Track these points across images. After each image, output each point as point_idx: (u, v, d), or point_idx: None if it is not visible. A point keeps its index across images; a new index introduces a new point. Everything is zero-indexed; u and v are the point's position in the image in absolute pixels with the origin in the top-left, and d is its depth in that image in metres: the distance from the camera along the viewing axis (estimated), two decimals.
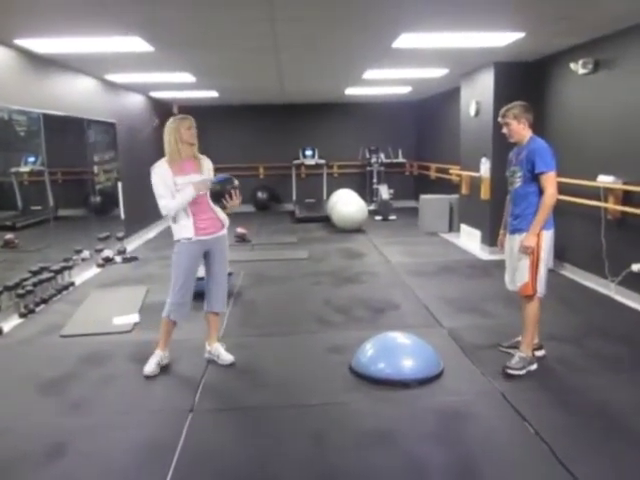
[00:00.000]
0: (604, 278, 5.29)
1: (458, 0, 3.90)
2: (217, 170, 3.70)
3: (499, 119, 3.62)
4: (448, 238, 8.42)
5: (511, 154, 3.70)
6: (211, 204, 3.53)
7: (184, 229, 3.47)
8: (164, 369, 3.62)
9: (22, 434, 2.92)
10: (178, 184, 3.41)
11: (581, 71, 5.54)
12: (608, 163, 5.22)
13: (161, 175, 3.42)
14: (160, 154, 3.51)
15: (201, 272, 3.69)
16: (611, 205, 5.08)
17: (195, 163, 3.55)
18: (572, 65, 5.68)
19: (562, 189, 3.71)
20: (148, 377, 3.53)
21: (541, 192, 3.43)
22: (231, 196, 3.41)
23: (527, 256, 3.47)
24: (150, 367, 3.56)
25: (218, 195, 3.43)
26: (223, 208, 3.52)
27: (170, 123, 3.48)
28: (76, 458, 2.68)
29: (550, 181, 3.40)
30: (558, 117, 6.16)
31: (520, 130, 3.53)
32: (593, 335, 4.12)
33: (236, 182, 3.47)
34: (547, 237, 3.50)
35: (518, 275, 3.56)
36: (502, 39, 5.29)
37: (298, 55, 6.02)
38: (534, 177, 3.44)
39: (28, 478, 2.54)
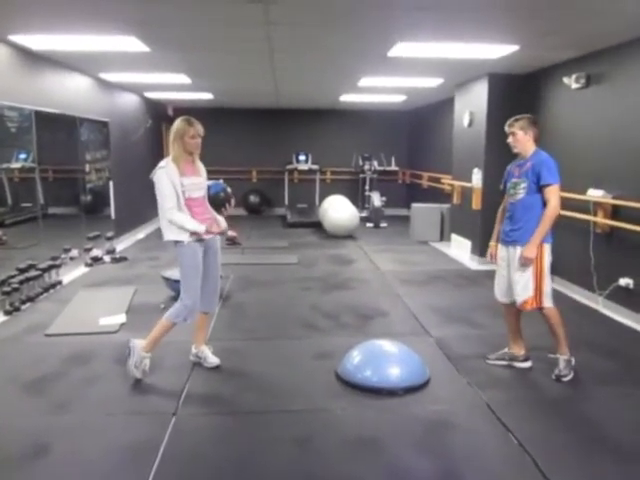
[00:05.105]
0: (592, 291, 5.33)
1: (454, 12, 3.94)
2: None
3: (505, 128, 3.65)
4: (439, 247, 8.45)
5: (510, 167, 3.74)
6: (208, 205, 3.58)
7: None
8: (150, 369, 3.54)
9: (5, 434, 2.89)
10: (185, 185, 3.38)
11: (574, 85, 5.58)
12: (598, 177, 5.27)
13: (168, 174, 3.35)
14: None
15: None
16: (600, 219, 5.12)
17: (193, 167, 3.54)
18: (565, 79, 5.72)
19: None
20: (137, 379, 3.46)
21: (544, 204, 3.46)
22: (230, 204, 3.61)
23: (529, 269, 3.48)
24: (139, 371, 3.46)
25: (218, 203, 3.61)
26: (219, 213, 3.64)
27: (177, 125, 3.41)
28: (59, 458, 2.66)
29: (554, 193, 3.44)
30: (550, 130, 6.19)
31: (525, 142, 3.56)
32: (579, 348, 4.13)
33: (229, 189, 3.69)
34: (548, 250, 3.53)
35: (519, 289, 3.55)
36: (496, 51, 5.34)
37: (293, 60, 6.03)
38: (539, 189, 3.46)
39: (11, 478, 2.50)
